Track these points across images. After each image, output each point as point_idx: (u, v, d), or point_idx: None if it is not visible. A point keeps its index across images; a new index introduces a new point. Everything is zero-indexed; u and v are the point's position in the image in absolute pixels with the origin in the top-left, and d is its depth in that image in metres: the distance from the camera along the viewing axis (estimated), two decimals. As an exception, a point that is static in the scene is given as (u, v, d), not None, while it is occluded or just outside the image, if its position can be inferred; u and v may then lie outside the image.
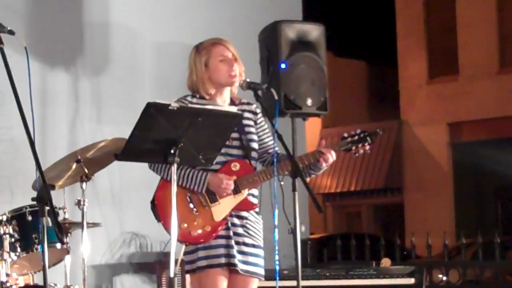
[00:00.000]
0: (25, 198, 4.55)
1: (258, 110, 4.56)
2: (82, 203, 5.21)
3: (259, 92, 4.45)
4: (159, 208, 4.31)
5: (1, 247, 4.82)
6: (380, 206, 22.88)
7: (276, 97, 4.45)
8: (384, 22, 22.17)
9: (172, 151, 3.99)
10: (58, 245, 4.97)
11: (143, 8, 7.57)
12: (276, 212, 4.34)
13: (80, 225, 5.23)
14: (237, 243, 4.34)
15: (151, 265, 7.09)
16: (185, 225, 4.26)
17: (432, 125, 20.39)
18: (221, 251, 4.31)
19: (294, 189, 4.38)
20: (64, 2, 7.18)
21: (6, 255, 4.82)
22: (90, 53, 7.24)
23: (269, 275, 4.51)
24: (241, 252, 4.34)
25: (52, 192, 3.63)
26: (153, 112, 3.91)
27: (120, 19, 7.40)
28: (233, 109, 4.29)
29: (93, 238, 5.55)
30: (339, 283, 6.35)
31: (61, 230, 4.17)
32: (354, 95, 24.10)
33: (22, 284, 5.09)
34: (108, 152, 5.11)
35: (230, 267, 4.32)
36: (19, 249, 4.88)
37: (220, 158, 4.32)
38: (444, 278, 8.16)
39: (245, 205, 4.38)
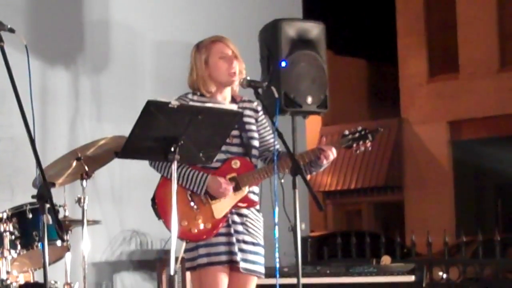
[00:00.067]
0: (25, 195, 4.55)
1: (259, 108, 4.56)
2: (82, 200, 5.22)
3: (260, 90, 4.46)
4: (159, 206, 4.30)
5: (2, 244, 4.81)
6: (381, 204, 22.86)
7: (276, 95, 4.44)
8: (384, 20, 22.17)
9: (172, 149, 4.00)
10: (59, 243, 4.96)
11: (144, 7, 7.58)
12: (277, 209, 4.33)
13: (80, 222, 5.23)
14: (238, 240, 4.34)
15: (152, 262, 7.09)
16: (186, 222, 4.26)
17: (432, 123, 20.38)
18: (222, 248, 4.31)
19: (294, 187, 4.37)
20: (65, 0, 7.18)
21: (6, 253, 4.81)
22: (91, 51, 7.24)
23: (270, 273, 4.52)
24: (240, 250, 4.34)
25: (53, 190, 3.62)
26: (153, 110, 3.91)
27: (121, 18, 7.40)
28: (234, 107, 4.29)
29: (93, 236, 5.55)
30: (339, 280, 6.35)
31: (61, 227, 4.16)
32: (354, 93, 24.07)
33: (22, 282, 5.10)
34: (108, 150, 5.11)
35: (231, 265, 4.32)
36: (19, 247, 4.87)
37: (220, 156, 4.32)
38: (445, 276, 8.16)
39: (246, 202, 4.39)
